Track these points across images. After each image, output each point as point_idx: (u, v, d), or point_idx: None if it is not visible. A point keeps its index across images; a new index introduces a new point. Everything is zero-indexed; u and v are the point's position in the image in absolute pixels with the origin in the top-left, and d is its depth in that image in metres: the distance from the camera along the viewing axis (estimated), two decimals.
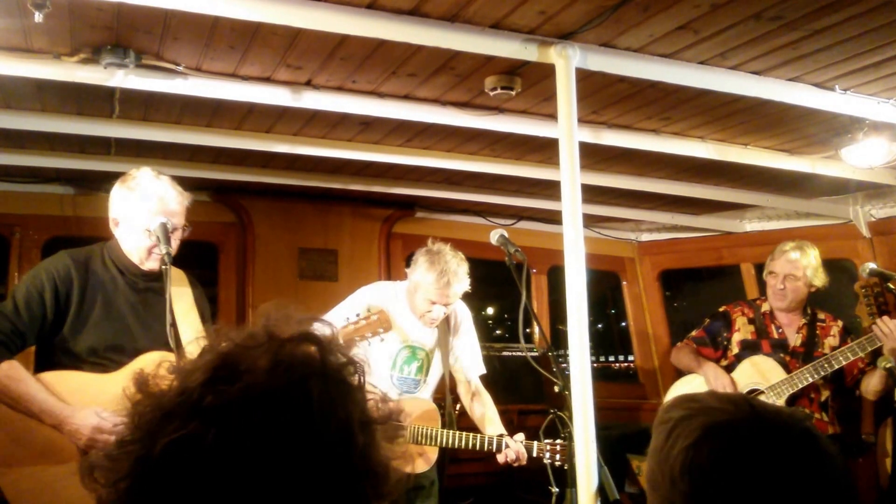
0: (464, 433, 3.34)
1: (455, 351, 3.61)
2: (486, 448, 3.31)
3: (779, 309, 3.99)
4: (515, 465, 3.28)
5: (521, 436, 3.33)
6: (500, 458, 3.29)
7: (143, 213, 2.62)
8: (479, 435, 3.36)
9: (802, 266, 3.90)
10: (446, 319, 3.56)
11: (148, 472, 0.78)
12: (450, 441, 3.34)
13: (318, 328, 0.87)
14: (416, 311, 3.46)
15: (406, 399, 3.44)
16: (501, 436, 3.33)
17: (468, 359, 3.62)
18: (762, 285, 4.28)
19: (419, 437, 3.37)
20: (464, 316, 3.66)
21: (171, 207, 2.64)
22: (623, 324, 7.23)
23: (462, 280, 3.38)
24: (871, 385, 3.71)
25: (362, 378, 0.88)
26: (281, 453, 0.77)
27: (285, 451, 0.78)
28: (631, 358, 6.28)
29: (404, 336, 3.47)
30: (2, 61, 2.78)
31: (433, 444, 3.37)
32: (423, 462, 3.40)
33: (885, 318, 3.59)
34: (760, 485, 0.98)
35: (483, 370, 3.68)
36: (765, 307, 4.07)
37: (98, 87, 3.01)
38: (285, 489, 0.77)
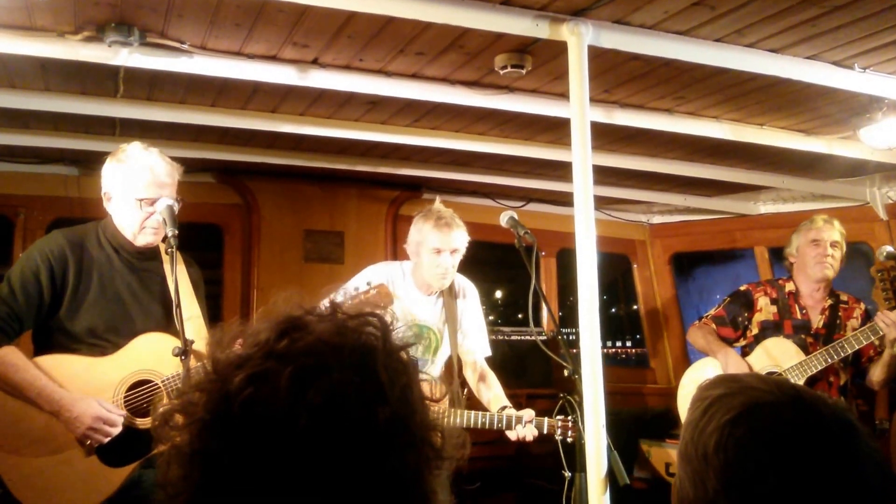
0: (472, 412, 3.29)
1: (463, 327, 3.57)
2: (496, 426, 3.27)
3: (821, 280, 3.79)
4: (525, 441, 3.25)
5: (531, 412, 3.27)
6: (512, 435, 3.27)
7: (135, 184, 2.59)
8: (487, 413, 3.32)
9: (842, 234, 3.83)
10: (453, 294, 3.52)
11: (222, 409, 0.80)
12: (459, 421, 3.29)
13: (380, 314, 0.91)
14: (424, 275, 3.42)
15: None
16: (504, 408, 3.30)
17: (475, 340, 3.59)
18: (776, 269, 4.20)
19: None
20: (471, 292, 3.62)
21: (162, 179, 2.62)
22: (613, 310, 7.20)
23: (460, 226, 3.39)
24: (876, 375, 3.66)
25: (416, 362, 0.92)
26: (350, 402, 0.80)
27: (354, 400, 0.81)
28: (631, 344, 6.24)
29: (410, 316, 3.44)
30: (5, 40, 2.73)
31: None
32: None
33: (887, 311, 3.52)
34: (794, 468, 0.95)
35: (489, 352, 3.65)
36: (789, 287, 3.93)
37: (102, 66, 2.96)
38: (352, 435, 0.79)
